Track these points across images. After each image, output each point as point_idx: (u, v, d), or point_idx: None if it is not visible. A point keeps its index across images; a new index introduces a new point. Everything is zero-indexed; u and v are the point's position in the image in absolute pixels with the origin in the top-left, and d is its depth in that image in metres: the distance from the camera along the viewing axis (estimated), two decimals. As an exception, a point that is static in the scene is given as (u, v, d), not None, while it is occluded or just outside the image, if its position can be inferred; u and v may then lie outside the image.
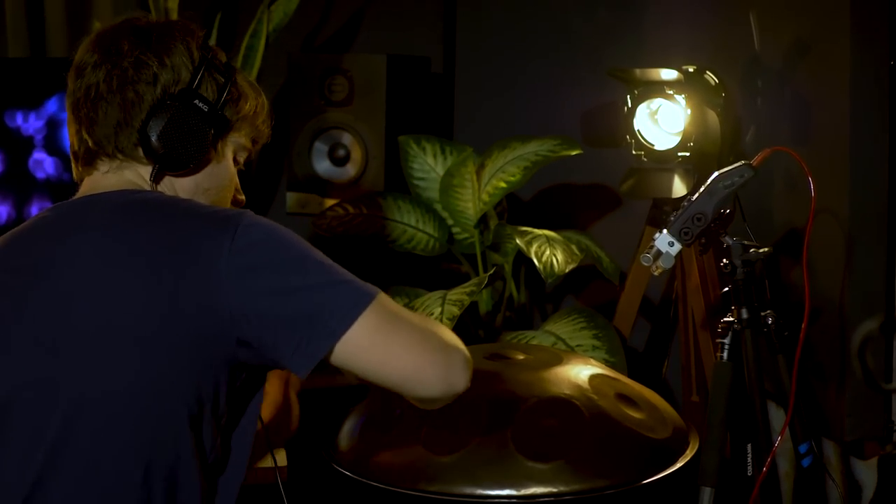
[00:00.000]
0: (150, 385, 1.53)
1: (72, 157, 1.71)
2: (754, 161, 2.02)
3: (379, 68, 3.15)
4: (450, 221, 2.97)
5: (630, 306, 2.89)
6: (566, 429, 1.99)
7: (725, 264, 2.07)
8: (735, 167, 2.02)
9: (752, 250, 2.05)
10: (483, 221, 2.92)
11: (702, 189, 2.03)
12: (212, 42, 3.13)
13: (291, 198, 3.26)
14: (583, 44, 3.22)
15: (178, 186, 1.70)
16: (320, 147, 3.22)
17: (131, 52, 1.64)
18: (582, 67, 3.18)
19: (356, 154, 3.19)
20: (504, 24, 3.38)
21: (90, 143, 1.66)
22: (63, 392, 1.53)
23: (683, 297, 2.84)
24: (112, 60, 1.64)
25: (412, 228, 2.97)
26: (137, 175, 1.68)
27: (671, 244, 2.03)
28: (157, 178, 1.67)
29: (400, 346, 1.58)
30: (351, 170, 3.20)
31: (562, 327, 2.74)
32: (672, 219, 2.03)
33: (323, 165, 3.22)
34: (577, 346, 2.66)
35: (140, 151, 1.66)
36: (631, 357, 2.77)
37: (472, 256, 2.97)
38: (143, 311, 1.52)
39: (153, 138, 1.64)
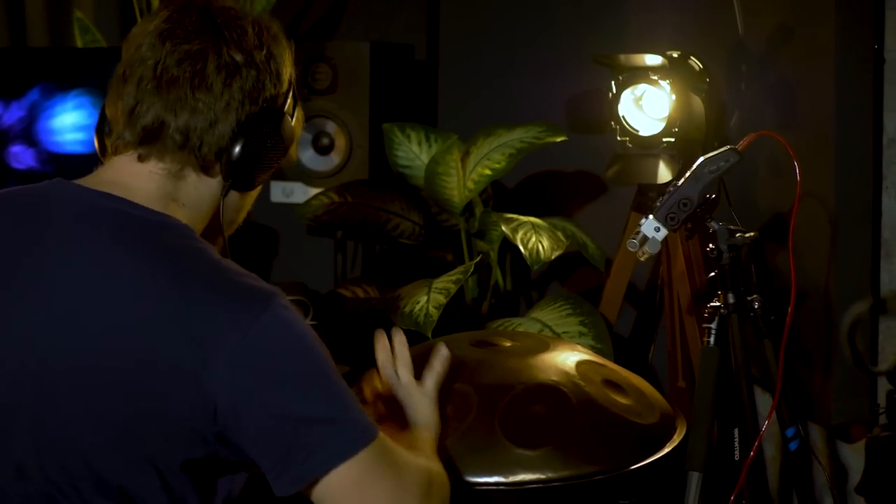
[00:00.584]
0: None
1: (125, 122, 1.53)
2: (739, 146, 2.02)
3: (363, 56, 3.14)
4: (435, 209, 2.96)
5: (616, 292, 2.89)
6: (554, 415, 1.98)
7: (711, 249, 2.07)
8: (720, 152, 2.02)
9: (737, 235, 2.06)
10: (468, 209, 2.92)
11: (687, 174, 2.03)
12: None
13: (275, 187, 3.25)
14: (567, 30, 3.21)
15: (232, 198, 1.60)
16: (304, 136, 3.21)
17: (248, 47, 1.53)
18: (566, 54, 3.18)
19: (340, 142, 3.17)
20: (488, 11, 3.37)
21: (173, 130, 1.51)
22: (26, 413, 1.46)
23: (669, 283, 2.85)
24: (228, 49, 1.52)
25: (397, 216, 2.96)
26: (182, 187, 1.55)
27: (657, 229, 2.02)
28: (226, 194, 1.56)
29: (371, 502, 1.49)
30: (335, 158, 3.18)
31: (548, 314, 2.73)
32: (658, 204, 2.03)
33: (307, 154, 3.21)
34: (564, 332, 2.66)
35: (217, 160, 1.54)
36: (617, 343, 2.77)
37: (457, 244, 2.97)
38: (134, 351, 1.43)
39: (240, 151, 1.53)
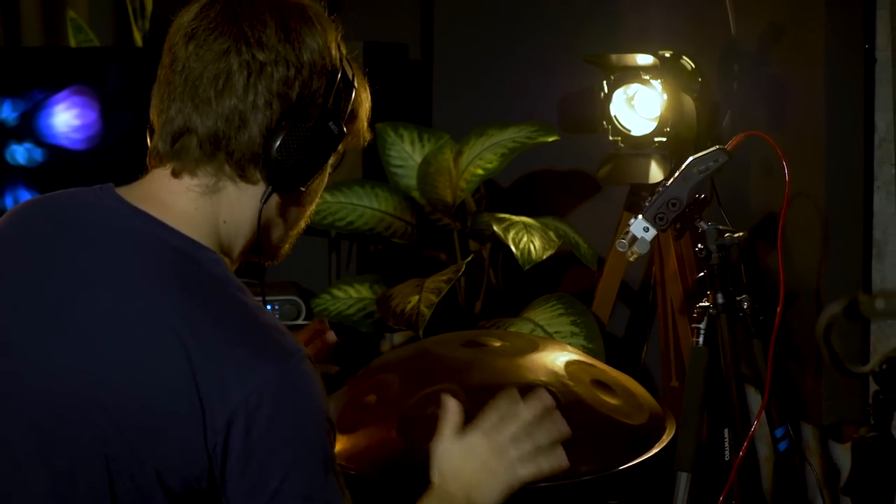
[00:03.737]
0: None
1: (161, 137, 1.47)
2: (728, 146, 2.03)
3: (356, 55, 3.13)
4: (427, 209, 2.96)
5: (608, 292, 2.89)
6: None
7: (700, 249, 2.07)
8: (709, 152, 2.02)
9: (727, 235, 2.06)
10: (461, 208, 2.92)
11: (676, 174, 2.03)
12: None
13: (269, 186, 3.25)
14: (559, 30, 3.21)
15: (280, 204, 1.51)
16: (297, 135, 3.21)
17: (273, 44, 1.43)
18: (559, 53, 3.18)
19: (333, 142, 3.17)
20: (481, 11, 3.37)
21: (200, 138, 1.44)
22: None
23: (661, 283, 2.84)
24: (250, 49, 1.43)
25: (389, 216, 2.96)
26: (222, 202, 1.47)
27: (646, 229, 2.03)
28: (266, 199, 1.46)
29: None
30: (328, 158, 3.18)
31: (540, 314, 2.73)
32: (647, 204, 2.04)
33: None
34: (556, 332, 2.66)
35: (252, 167, 1.44)
36: (610, 343, 2.77)
37: (450, 244, 2.97)
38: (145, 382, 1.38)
39: (277, 152, 1.43)
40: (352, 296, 2.96)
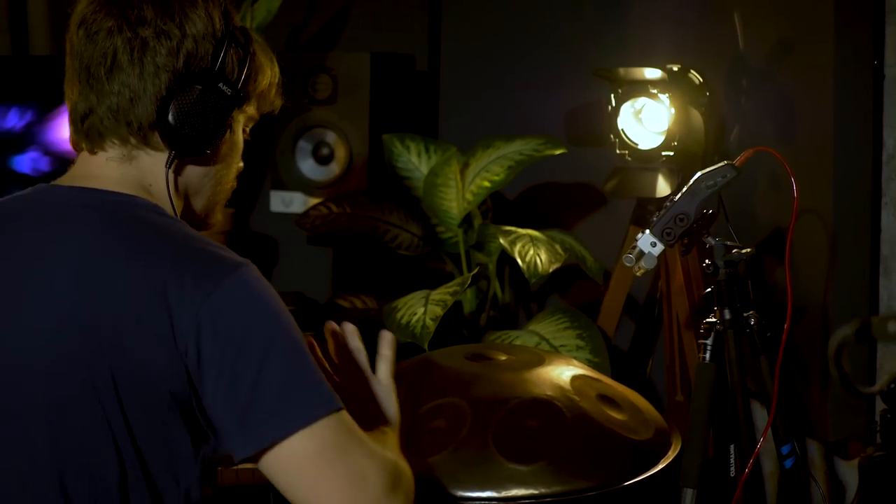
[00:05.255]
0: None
1: (71, 123, 1.58)
2: (737, 161, 2.01)
3: (363, 66, 3.14)
4: (434, 221, 2.96)
5: (614, 306, 2.89)
6: (547, 430, 1.97)
7: (708, 265, 2.06)
8: (718, 167, 2.01)
9: (734, 251, 2.04)
10: (467, 221, 2.91)
11: (684, 189, 2.02)
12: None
13: (275, 197, 3.25)
14: (568, 43, 3.21)
15: (192, 171, 1.60)
16: (304, 146, 3.21)
17: (153, 19, 1.52)
18: (567, 66, 3.17)
19: (340, 153, 3.17)
20: (489, 23, 3.36)
21: (100, 116, 1.54)
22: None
23: (668, 297, 2.84)
24: (132, 27, 1.52)
25: (396, 227, 2.95)
26: (142, 168, 1.57)
27: (653, 245, 2.01)
28: (171, 164, 1.56)
29: (330, 484, 1.46)
30: (335, 168, 3.18)
31: (546, 327, 2.73)
32: (654, 219, 2.02)
33: (307, 164, 3.21)
34: (561, 346, 2.65)
35: (155, 134, 1.55)
36: (616, 357, 2.77)
37: (456, 256, 2.96)
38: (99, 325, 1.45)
39: (172, 119, 1.53)
40: (357, 307, 2.95)
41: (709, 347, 2.06)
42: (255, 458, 1.47)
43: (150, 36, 1.52)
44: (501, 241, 2.66)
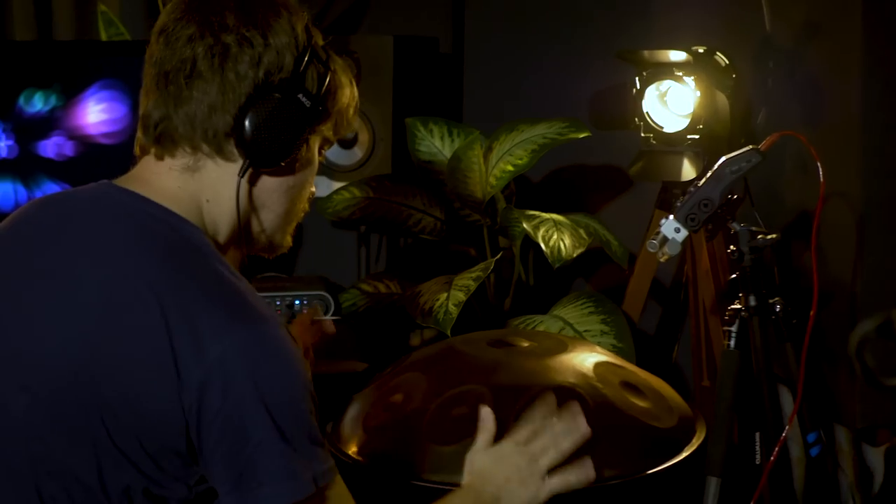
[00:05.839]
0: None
1: (142, 129, 1.56)
2: (762, 145, 1.99)
3: (386, 49, 3.11)
4: (457, 205, 2.94)
5: (639, 290, 2.86)
6: (570, 418, 1.96)
7: (732, 251, 2.03)
8: (742, 152, 1.99)
9: (759, 237, 2.02)
10: (491, 205, 2.89)
11: (709, 174, 2.00)
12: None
13: (298, 181, 3.22)
14: (593, 25, 3.17)
15: (263, 184, 1.57)
16: (327, 129, 3.19)
17: (236, 27, 1.50)
18: (592, 49, 3.14)
19: (364, 136, 3.15)
20: (513, 4, 3.34)
21: (176, 123, 1.52)
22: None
23: (694, 282, 2.81)
24: (214, 34, 1.50)
25: (418, 212, 2.94)
26: (204, 181, 1.55)
27: (677, 230, 1.99)
28: (244, 173, 1.53)
29: None
30: (358, 152, 3.16)
31: (570, 312, 2.71)
32: (678, 204, 2.00)
33: (331, 148, 3.19)
34: (585, 331, 2.63)
35: (231, 142, 1.52)
36: (641, 341, 2.74)
37: (479, 240, 2.95)
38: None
39: (249, 128, 1.50)
40: (381, 291, 2.94)
41: (733, 334, 2.04)
42: None
43: (233, 43, 1.50)
44: (525, 225, 2.64)
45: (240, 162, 1.54)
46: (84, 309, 1.46)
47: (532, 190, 3.26)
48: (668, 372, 3.03)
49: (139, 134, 1.57)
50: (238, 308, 1.45)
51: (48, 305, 1.48)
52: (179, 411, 1.43)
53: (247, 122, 1.51)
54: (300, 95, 1.52)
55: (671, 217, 1.99)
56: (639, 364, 2.37)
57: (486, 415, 1.72)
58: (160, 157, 1.56)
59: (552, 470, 1.67)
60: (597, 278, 3.31)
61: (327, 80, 1.56)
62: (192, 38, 1.51)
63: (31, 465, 1.46)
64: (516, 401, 1.97)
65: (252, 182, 1.57)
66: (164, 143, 1.54)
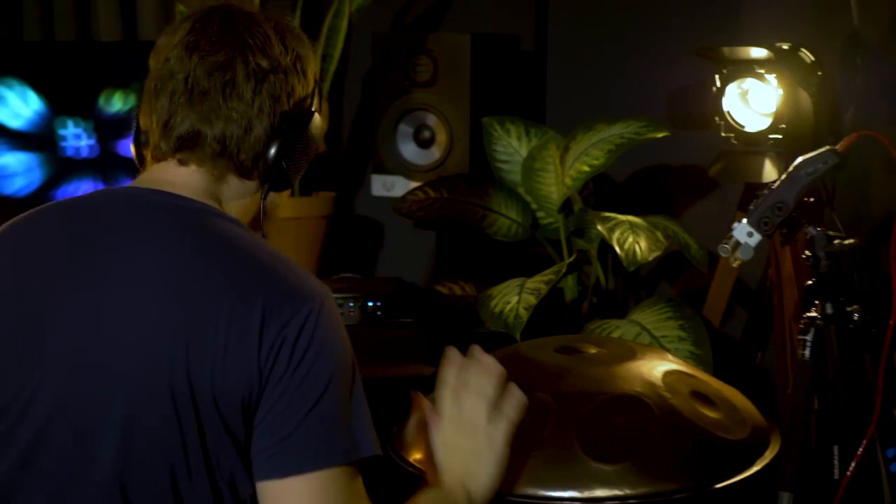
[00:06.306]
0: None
1: (163, 138, 1.57)
2: (840, 146, 1.90)
3: (463, 48, 3.07)
4: (534, 206, 2.89)
5: (720, 294, 2.78)
6: (634, 428, 1.90)
7: (808, 256, 1.95)
8: (819, 153, 1.90)
9: (836, 241, 1.93)
10: (567, 206, 2.83)
11: (783, 176, 1.92)
12: (296, 23, 3.12)
13: (376, 181, 3.20)
14: (678, 21, 3.09)
15: (271, 199, 1.66)
16: (405, 129, 3.16)
17: (276, 53, 1.57)
18: (675, 46, 3.06)
19: (441, 136, 3.12)
20: (598, 2, 3.27)
21: (210, 139, 1.55)
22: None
23: (778, 286, 2.72)
24: (255, 57, 1.56)
25: (493, 213, 2.89)
26: (225, 189, 1.60)
27: (750, 234, 1.92)
28: (265, 196, 1.63)
29: None
30: (436, 152, 3.13)
31: (648, 317, 2.64)
32: (751, 207, 1.92)
33: (408, 148, 3.16)
34: (662, 336, 2.56)
35: (256, 165, 1.59)
36: (724, 347, 2.67)
37: (557, 242, 2.89)
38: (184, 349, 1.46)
39: (277, 154, 1.58)
40: (456, 293, 2.90)
41: (808, 344, 1.95)
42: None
43: (271, 69, 1.57)
44: (599, 227, 2.57)
45: (255, 181, 1.61)
46: (148, 306, 1.47)
47: (613, 191, 3.19)
48: (753, 379, 2.94)
49: (156, 141, 1.59)
50: (299, 281, 1.51)
51: (121, 307, 1.48)
52: (258, 374, 1.46)
53: (274, 149, 1.58)
54: (314, 128, 1.62)
55: (744, 221, 1.92)
56: (721, 371, 2.30)
57: (421, 404, 1.78)
58: (184, 164, 1.59)
59: (495, 419, 1.71)
60: (681, 282, 3.23)
61: (322, 101, 1.69)
62: (233, 59, 1.55)
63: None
64: (580, 410, 1.92)
65: (264, 199, 1.64)
66: (192, 153, 1.58)
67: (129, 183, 1.63)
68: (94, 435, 1.47)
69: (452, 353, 1.77)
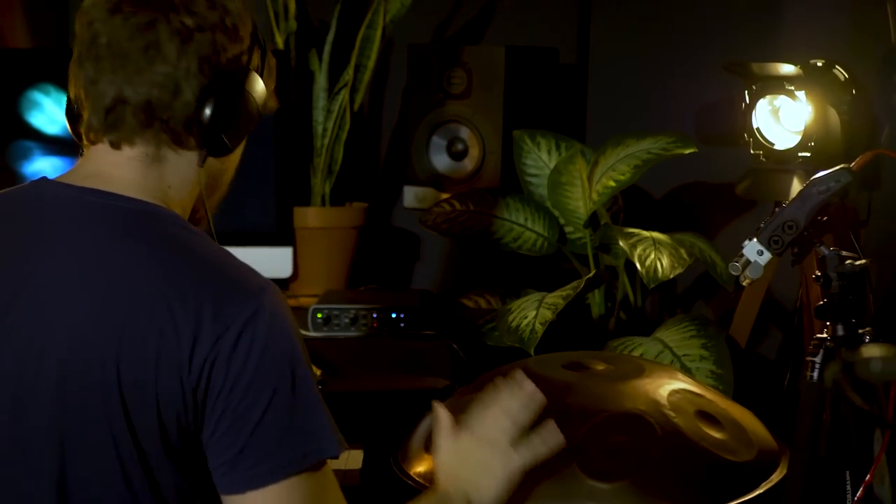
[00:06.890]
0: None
1: (91, 112, 1.49)
2: (854, 164, 1.86)
3: (498, 60, 3.05)
4: (562, 220, 2.86)
5: (747, 314, 2.74)
6: (635, 447, 1.86)
7: (818, 276, 1.91)
8: (832, 171, 1.86)
9: (847, 262, 1.88)
10: (594, 221, 2.80)
11: (796, 194, 1.88)
12: (331, 35, 3.12)
13: (409, 192, 3.20)
14: (718, 37, 3.05)
15: (212, 170, 1.57)
16: (438, 141, 3.15)
17: (202, 10, 1.48)
18: (715, 62, 3.02)
19: (474, 149, 3.10)
20: (639, 14, 3.24)
21: (134, 106, 1.46)
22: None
23: (807, 307, 2.67)
24: (178, 16, 1.47)
25: (519, 227, 2.87)
26: (165, 170, 1.51)
27: (760, 253, 1.88)
28: (203, 162, 1.53)
29: None
30: (468, 165, 3.12)
31: (671, 335, 2.60)
32: (762, 225, 1.89)
33: (441, 160, 3.15)
34: (685, 355, 2.52)
35: (190, 129, 1.49)
36: (750, 368, 2.62)
37: (584, 257, 2.86)
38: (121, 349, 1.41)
39: (211, 116, 1.48)
40: (481, 306, 2.88)
41: (816, 365, 1.91)
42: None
43: (197, 27, 1.47)
44: (621, 243, 2.54)
45: (194, 150, 1.52)
46: (75, 315, 1.42)
47: (644, 206, 3.15)
48: (780, 400, 2.88)
49: (87, 116, 1.50)
50: (236, 282, 1.44)
51: (26, 318, 1.43)
52: (191, 394, 1.42)
53: (208, 111, 1.48)
54: (256, 86, 1.54)
55: (754, 239, 1.88)
56: (746, 392, 2.25)
57: (439, 411, 1.73)
58: (117, 147, 1.50)
59: (519, 445, 1.68)
60: (716, 301, 3.18)
61: (265, 63, 1.57)
62: (156, 19, 1.46)
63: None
64: (580, 426, 1.89)
65: (201, 165, 1.55)
66: (122, 129, 1.49)
67: (69, 169, 1.54)
68: (27, 448, 1.43)
69: (501, 382, 1.75)
